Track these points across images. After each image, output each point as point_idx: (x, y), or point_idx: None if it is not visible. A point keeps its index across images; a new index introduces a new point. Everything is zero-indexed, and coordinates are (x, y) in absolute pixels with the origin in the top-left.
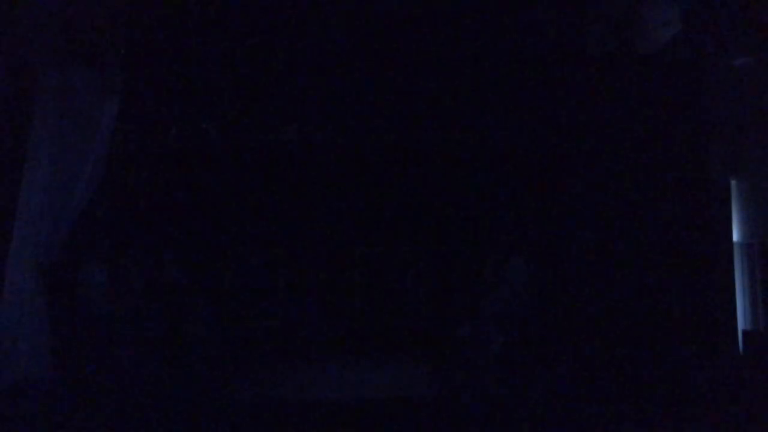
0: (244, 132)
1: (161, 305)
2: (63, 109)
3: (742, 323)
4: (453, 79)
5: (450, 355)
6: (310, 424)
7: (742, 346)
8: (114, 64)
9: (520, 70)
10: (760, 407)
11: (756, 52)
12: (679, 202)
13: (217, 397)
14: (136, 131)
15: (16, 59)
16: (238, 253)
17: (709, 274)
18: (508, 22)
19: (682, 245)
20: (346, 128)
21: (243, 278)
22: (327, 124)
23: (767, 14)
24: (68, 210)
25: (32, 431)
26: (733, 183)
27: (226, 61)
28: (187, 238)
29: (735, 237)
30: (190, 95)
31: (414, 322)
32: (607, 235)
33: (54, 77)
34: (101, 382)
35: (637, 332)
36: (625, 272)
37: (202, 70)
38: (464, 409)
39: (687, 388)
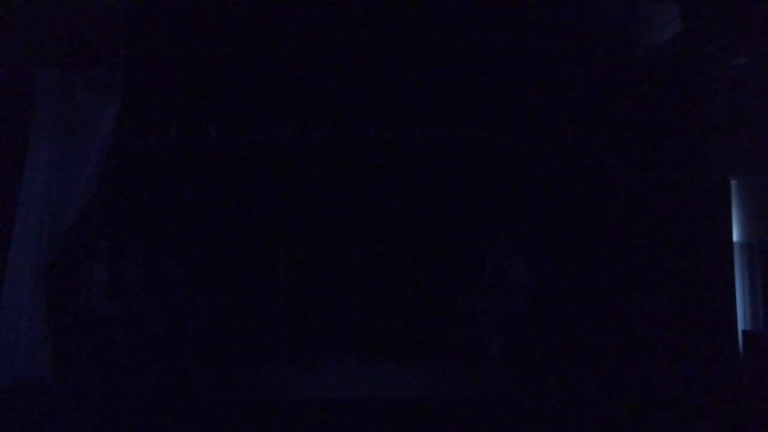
0: (245, 132)
1: (161, 305)
2: (63, 109)
3: (742, 323)
4: (453, 78)
5: (450, 355)
6: (311, 424)
7: (742, 346)
8: (114, 64)
9: (519, 70)
10: (760, 407)
11: (755, 52)
12: (679, 202)
13: (217, 397)
14: (136, 131)
15: (16, 59)
16: (238, 253)
17: (709, 274)
18: (508, 22)
19: (682, 245)
20: (346, 128)
21: (243, 278)
22: (327, 124)
23: (767, 14)
24: (68, 210)
25: (32, 431)
26: (733, 183)
27: (226, 60)
28: (187, 238)
29: (735, 237)
30: (190, 95)
31: (414, 322)
32: (607, 235)
33: (54, 77)
34: (101, 382)
35: (637, 332)
36: (625, 272)
37: (202, 70)
38: (464, 409)
39: (687, 388)
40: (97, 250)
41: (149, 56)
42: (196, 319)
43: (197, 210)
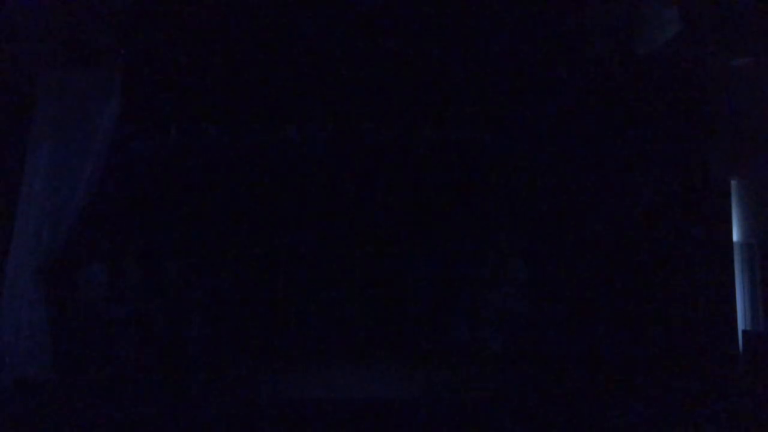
0: (244, 132)
1: (161, 305)
2: (63, 109)
3: (742, 323)
4: (452, 79)
5: (450, 355)
6: (310, 424)
7: (742, 346)
8: (114, 65)
9: (519, 70)
10: (760, 407)
11: (755, 52)
12: (679, 202)
13: (217, 397)
14: (136, 131)
15: (16, 59)
16: (238, 253)
17: (709, 274)
18: (508, 22)
19: (682, 245)
20: (346, 128)
21: (243, 278)
22: (327, 124)
23: (767, 14)
24: (68, 210)
25: (32, 431)
26: (733, 183)
27: (226, 60)
28: (188, 238)
29: (735, 237)
30: (189, 95)
31: (414, 322)
32: (607, 235)
33: (54, 77)
34: (101, 382)
35: (637, 332)
36: (625, 272)
37: (201, 70)
38: (464, 409)
39: (687, 388)
40: (97, 250)
41: (149, 56)
42: (196, 319)
43: (197, 210)
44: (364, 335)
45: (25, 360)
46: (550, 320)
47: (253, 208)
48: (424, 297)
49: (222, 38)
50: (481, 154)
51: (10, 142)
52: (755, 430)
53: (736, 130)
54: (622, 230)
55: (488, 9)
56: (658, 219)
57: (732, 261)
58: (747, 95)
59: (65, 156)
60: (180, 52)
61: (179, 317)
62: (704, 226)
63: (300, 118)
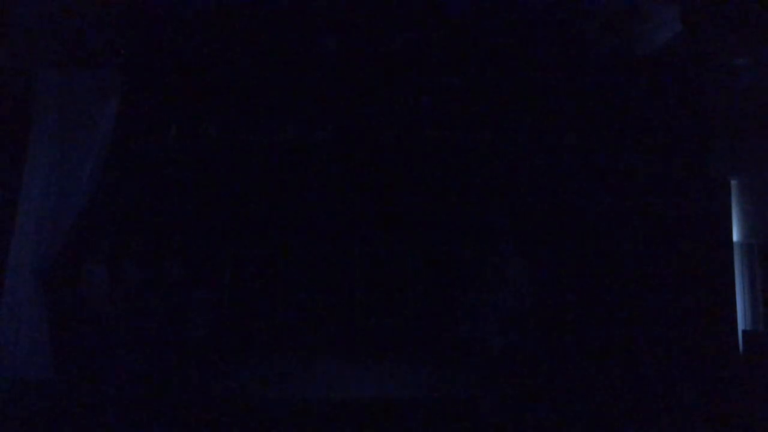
0: (244, 132)
1: (161, 305)
2: (63, 109)
3: (742, 323)
4: (451, 78)
5: (450, 355)
6: (311, 424)
7: (742, 346)
8: (114, 65)
9: (519, 70)
10: (760, 407)
11: (755, 52)
12: (680, 201)
13: (217, 396)
14: (136, 132)
15: (16, 59)
16: (239, 253)
17: (709, 274)
18: (507, 22)
19: (682, 245)
20: (346, 128)
21: (243, 278)
22: (327, 124)
23: (766, 14)
24: (68, 210)
25: (32, 431)
26: (733, 183)
27: (225, 60)
28: (188, 238)
29: (735, 237)
30: (189, 95)
31: (414, 321)
32: (608, 235)
33: (54, 77)
34: (101, 382)
35: (638, 332)
36: (626, 272)
37: (201, 70)
38: (464, 410)
39: (687, 388)
40: (97, 249)
41: (149, 56)
42: (196, 319)
43: (197, 209)
44: (364, 335)
45: (25, 360)
46: (550, 320)
47: (253, 207)
48: (424, 297)
49: (222, 38)
50: (481, 154)
51: (10, 142)
52: (755, 430)
53: (736, 130)
54: (622, 230)
55: (488, 9)
56: (658, 219)
57: (732, 261)
58: (747, 95)
59: (65, 156)
60: (180, 52)
61: (179, 317)
62: (704, 226)
63: (300, 118)
